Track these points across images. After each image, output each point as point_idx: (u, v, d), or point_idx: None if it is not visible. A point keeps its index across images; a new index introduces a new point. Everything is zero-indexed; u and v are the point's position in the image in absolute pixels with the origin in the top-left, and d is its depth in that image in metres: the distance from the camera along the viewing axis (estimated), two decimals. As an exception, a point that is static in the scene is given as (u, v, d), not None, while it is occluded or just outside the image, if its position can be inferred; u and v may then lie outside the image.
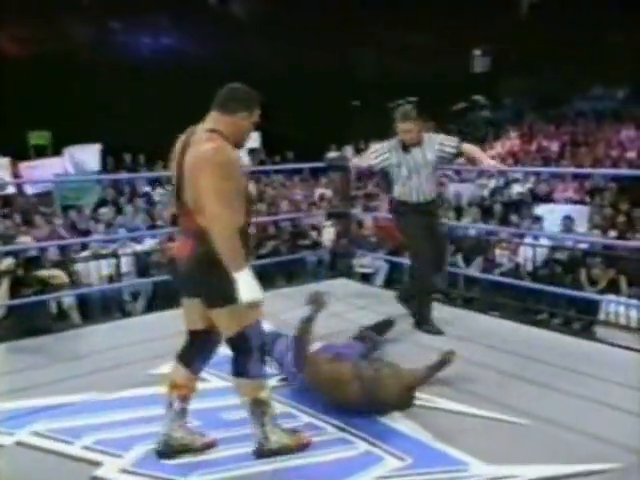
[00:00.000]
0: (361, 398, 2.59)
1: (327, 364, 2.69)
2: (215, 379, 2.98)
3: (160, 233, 6.26)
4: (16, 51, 14.55)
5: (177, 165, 2.19)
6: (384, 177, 4.17)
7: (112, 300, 5.96)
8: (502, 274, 6.16)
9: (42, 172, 8.86)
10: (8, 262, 3.92)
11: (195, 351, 2.35)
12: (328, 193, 8.98)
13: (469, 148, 3.88)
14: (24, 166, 9.05)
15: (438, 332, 3.75)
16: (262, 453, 2.33)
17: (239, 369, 2.26)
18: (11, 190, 8.17)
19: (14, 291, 3.93)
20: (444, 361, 2.84)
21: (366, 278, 6.53)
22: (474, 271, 6.35)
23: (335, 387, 2.63)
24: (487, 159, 3.89)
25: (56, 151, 10.55)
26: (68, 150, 9.53)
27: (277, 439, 2.33)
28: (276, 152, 13.02)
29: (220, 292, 2.13)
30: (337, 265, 5.66)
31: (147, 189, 9.53)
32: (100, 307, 5.84)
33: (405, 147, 3.79)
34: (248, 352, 2.23)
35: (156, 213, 7.77)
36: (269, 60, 15.84)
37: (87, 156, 9.58)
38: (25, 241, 4.34)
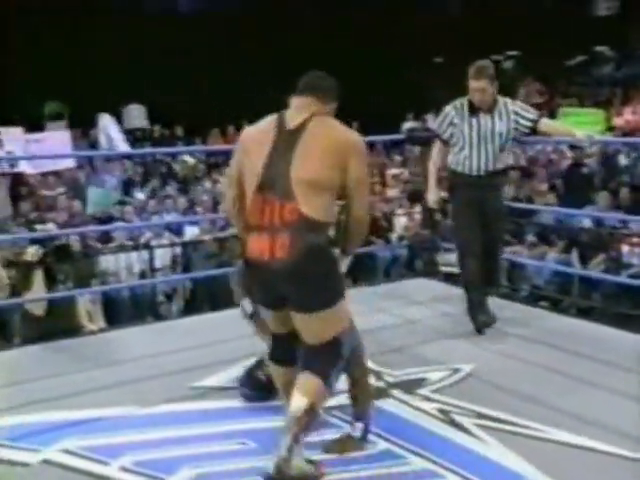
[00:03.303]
0: None
1: None
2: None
3: (203, 220, 6.47)
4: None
5: (269, 151, 2.40)
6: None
7: (143, 300, 6.21)
8: (631, 277, 6.01)
9: (44, 148, 8.96)
10: (34, 250, 4.15)
11: (291, 347, 2.54)
12: (403, 173, 9.01)
13: (549, 125, 3.99)
14: (26, 138, 9.28)
15: (479, 329, 3.91)
16: (281, 476, 2.32)
17: (315, 366, 2.39)
18: (24, 167, 8.55)
19: (50, 285, 4.19)
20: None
21: (452, 279, 6.51)
22: (593, 272, 6.24)
23: None
24: (574, 132, 4.02)
25: (74, 121, 11.00)
26: (101, 122, 9.82)
27: (299, 464, 2.37)
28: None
29: (328, 291, 2.40)
30: (416, 262, 5.69)
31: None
32: (129, 308, 6.10)
33: (473, 110, 3.90)
34: (336, 359, 2.41)
35: (196, 198, 8.02)
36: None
37: (114, 130, 9.86)
38: (47, 228, 4.61)
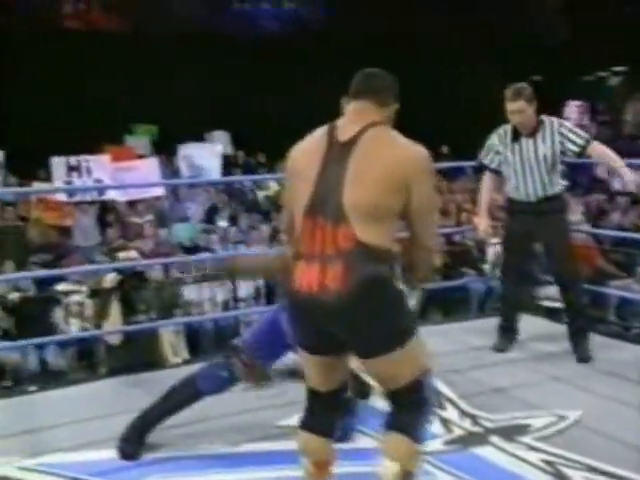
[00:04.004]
0: None
1: None
2: (366, 438, 3.06)
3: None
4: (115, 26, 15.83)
5: (319, 169, 2.17)
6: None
7: (227, 332, 6.29)
8: None
9: (133, 177, 9.46)
10: (112, 277, 4.29)
11: (332, 414, 2.38)
12: (498, 198, 8.82)
13: (599, 151, 3.91)
14: (115, 167, 9.73)
15: (500, 349, 4.16)
16: None
17: (401, 424, 2.23)
18: (112, 195, 8.88)
19: (127, 313, 4.31)
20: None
21: (554, 314, 6.29)
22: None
23: None
24: (625, 170, 3.86)
25: (159, 150, 11.38)
26: (182, 151, 10.16)
27: None
28: (428, 147, 12.99)
29: (393, 330, 2.14)
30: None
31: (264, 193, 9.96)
32: (213, 340, 6.19)
33: (516, 135, 3.94)
34: (421, 406, 2.23)
35: (279, 226, 8.11)
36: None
37: (205, 159, 10.13)
38: (130, 256, 4.78)
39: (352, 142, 2.16)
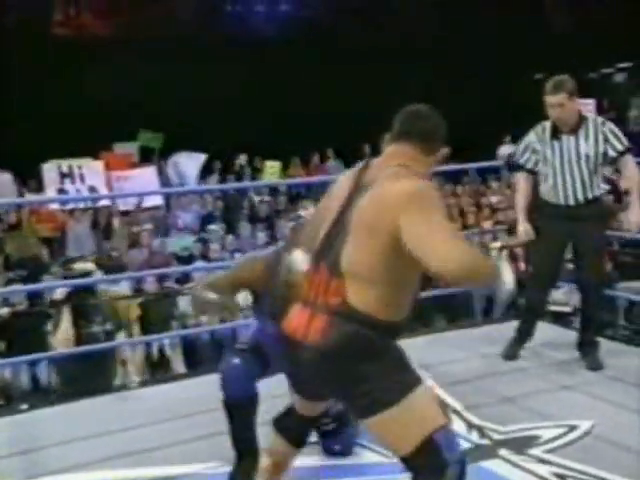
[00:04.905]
0: None
1: None
2: (368, 453, 3.02)
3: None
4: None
5: (338, 212, 2.03)
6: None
7: (224, 344, 6.25)
8: None
9: (133, 185, 9.50)
10: (62, 290, 4.38)
11: (309, 428, 2.38)
12: (499, 201, 8.81)
13: (631, 169, 3.75)
14: (115, 176, 9.80)
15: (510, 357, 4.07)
16: None
17: None
18: (105, 202, 8.87)
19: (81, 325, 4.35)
20: None
21: (561, 319, 6.26)
22: None
23: None
24: (636, 209, 3.72)
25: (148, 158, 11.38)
26: (173, 158, 10.23)
27: None
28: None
29: (388, 385, 1.93)
30: (519, 300, 5.50)
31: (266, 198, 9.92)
32: (209, 353, 6.14)
33: (555, 132, 3.78)
34: (439, 471, 1.90)
35: (278, 231, 8.09)
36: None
37: (189, 167, 10.27)
38: (87, 268, 4.74)
39: (369, 185, 1.99)
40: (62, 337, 4.34)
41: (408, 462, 1.95)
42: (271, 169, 10.97)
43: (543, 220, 3.97)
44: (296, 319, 2.06)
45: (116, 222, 8.39)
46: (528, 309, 4.21)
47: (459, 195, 9.76)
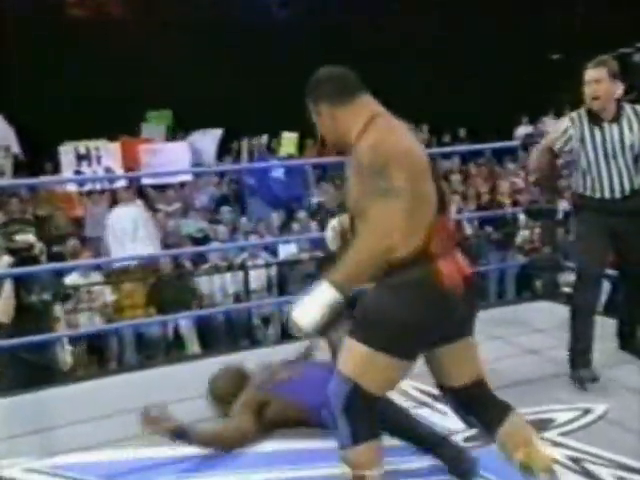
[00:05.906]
0: None
1: None
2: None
3: (302, 239, 6.51)
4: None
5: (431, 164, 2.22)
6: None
7: (239, 324, 6.28)
8: None
9: (164, 159, 9.51)
10: (6, 259, 4.31)
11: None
12: (519, 183, 8.73)
13: None
14: (143, 149, 9.76)
15: (593, 379, 3.51)
16: None
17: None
18: (122, 183, 8.88)
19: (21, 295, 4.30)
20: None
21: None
22: None
23: None
24: None
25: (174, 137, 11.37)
26: (189, 139, 10.20)
27: None
28: (443, 129, 12.83)
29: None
30: (535, 283, 5.47)
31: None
32: (224, 333, 6.18)
33: (593, 119, 3.52)
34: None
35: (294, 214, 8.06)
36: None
37: (205, 143, 10.21)
38: (28, 240, 4.65)
39: None
40: (3, 308, 4.30)
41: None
42: (288, 140, 10.91)
43: (583, 211, 3.69)
44: (448, 269, 2.16)
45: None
46: (577, 309, 3.74)
47: (473, 176, 9.70)
